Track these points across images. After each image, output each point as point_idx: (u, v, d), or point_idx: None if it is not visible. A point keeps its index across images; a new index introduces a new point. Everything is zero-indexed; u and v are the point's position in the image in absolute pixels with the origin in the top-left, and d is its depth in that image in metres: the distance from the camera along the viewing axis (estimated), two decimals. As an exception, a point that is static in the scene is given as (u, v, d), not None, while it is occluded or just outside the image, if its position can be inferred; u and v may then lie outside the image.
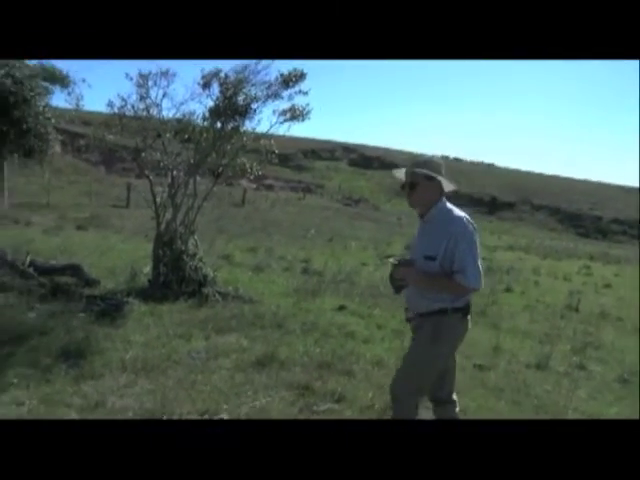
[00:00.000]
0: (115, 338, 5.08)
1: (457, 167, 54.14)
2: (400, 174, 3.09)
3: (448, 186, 3.00)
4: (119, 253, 10.54)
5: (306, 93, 6.91)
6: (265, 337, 5.73)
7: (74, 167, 25.03)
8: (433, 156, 3.11)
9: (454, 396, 3.18)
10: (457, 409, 3.16)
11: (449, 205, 2.98)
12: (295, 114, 6.91)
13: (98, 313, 5.84)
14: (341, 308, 7.68)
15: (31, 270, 6.99)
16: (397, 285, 2.99)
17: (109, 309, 6.01)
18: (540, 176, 66.28)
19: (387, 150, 61.35)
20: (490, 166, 70.08)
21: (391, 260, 2.97)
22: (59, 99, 8.48)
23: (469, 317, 3.02)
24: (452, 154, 74.31)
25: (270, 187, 38.49)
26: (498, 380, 5.29)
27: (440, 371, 3.03)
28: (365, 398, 4.30)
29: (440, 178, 2.96)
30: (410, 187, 2.98)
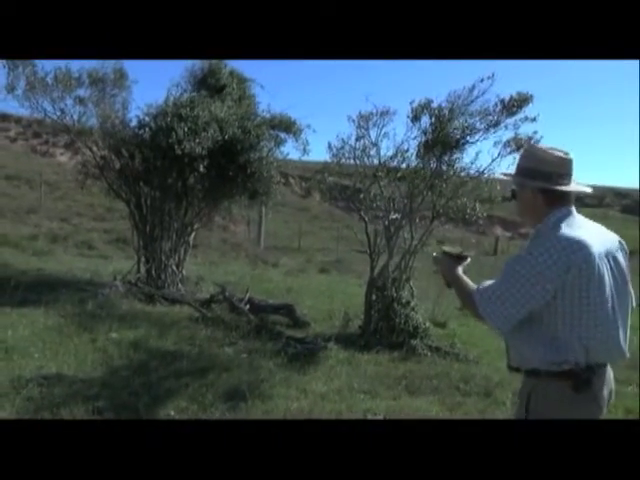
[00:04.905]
0: (292, 384, 4.75)
1: None
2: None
3: (570, 187, 1.99)
4: (347, 297, 10.48)
5: (534, 119, 5.91)
6: (464, 406, 4.80)
7: (329, 214, 26.78)
8: (540, 145, 2.07)
9: None
10: None
11: (568, 220, 1.95)
12: (520, 144, 5.93)
13: (291, 356, 5.63)
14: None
15: (246, 307, 7.22)
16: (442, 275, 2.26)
17: (303, 353, 5.76)
18: None
19: (668, 194, 52.88)
20: None
21: (444, 247, 2.27)
22: (290, 147, 9.15)
23: (600, 397, 1.96)
24: None
25: (526, 236, 36.02)
26: None
27: None
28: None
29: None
30: (512, 196, 2.11)
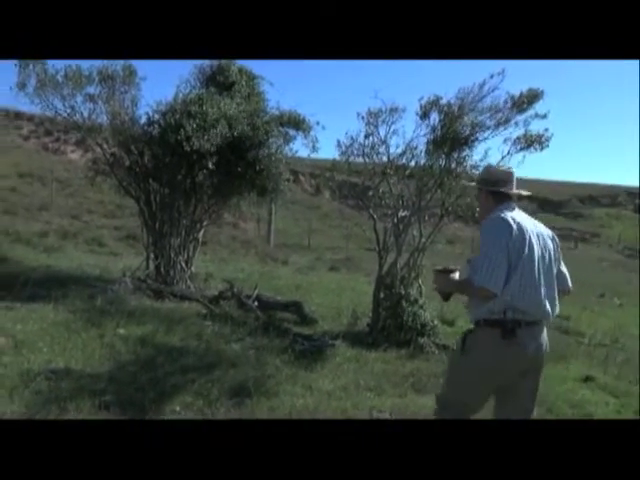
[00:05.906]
0: (298, 381, 4.75)
1: None
2: None
3: (509, 190, 2.78)
4: (356, 295, 10.45)
5: (544, 116, 5.84)
6: (471, 404, 4.76)
7: (339, 212, 26.70)
8: (495, 165, 3.16)
9: None
10: None
11: (508, 210, 2.70)
12: (530, 141, 5.88)
13: (298, 353, 5.62)
14: (587, 379, 6.13)
15: (255, 304, 7.23)
16: (439, 292, 2.92)
17: (310, 350, 5.76)
18: None
19: (683, 193, 52.18)
20: None
21: (435, 267, 2.89)
22: (299, 144, 9.16)
23: (524, 345, 2.59)
24: None
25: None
26: None
27: (486, 392, 2.73)
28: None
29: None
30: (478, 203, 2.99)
